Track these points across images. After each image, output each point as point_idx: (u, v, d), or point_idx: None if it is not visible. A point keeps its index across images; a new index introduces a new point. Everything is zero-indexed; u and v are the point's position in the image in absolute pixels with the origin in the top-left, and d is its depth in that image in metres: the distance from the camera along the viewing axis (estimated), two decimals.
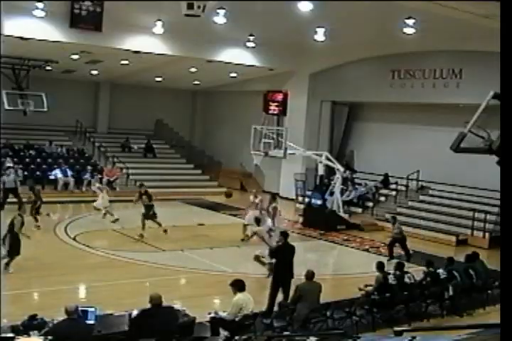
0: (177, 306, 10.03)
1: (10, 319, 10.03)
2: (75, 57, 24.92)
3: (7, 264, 13.39)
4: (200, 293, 13.19)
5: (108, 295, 12.02)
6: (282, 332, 9.77)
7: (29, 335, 8.49)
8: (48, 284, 12.87)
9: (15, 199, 21.74)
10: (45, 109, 25.52)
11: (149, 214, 18.88)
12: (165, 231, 18.66)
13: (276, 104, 29.25)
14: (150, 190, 27.73)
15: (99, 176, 28.20)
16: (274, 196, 20.26)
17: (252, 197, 19.79)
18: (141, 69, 27.82)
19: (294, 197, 27.42)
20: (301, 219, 23.26)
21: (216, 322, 9.85)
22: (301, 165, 27.78)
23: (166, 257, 16.30)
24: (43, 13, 20.11)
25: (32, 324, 8.89)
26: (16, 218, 13.79)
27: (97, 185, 23.62)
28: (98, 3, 20.75)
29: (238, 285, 10.06)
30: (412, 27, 19.01)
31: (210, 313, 9.96)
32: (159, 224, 18.83)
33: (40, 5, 19.69)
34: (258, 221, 15.13)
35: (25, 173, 26.92)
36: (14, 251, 13.44)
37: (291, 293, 11.27)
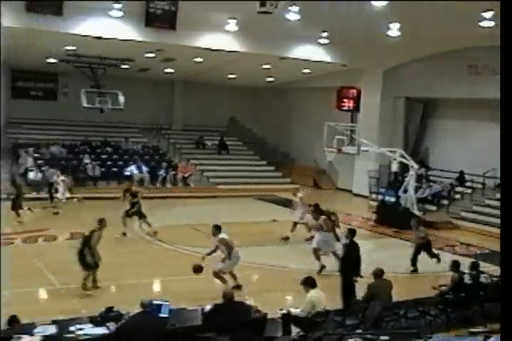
0: (249, 302, 10.09)
1: (88, 310, 10.37)
2: (150, 55, 25.38)
3: (85, 279, 12.37)
4: (272, 289, 13.22)
5: (181, 289, 12.20)
6: (354, 330, 9.71)
7: (107, 327, 8.75)
8: (121, 278, 13.15)
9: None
10: (122, 107, 26.11)
11: (131, 212, 18.44)
12: (155, 233, 18.20)
13: (349, 100, 29.06)
14: (223, 186, 28.34)
15: (174, 172, 28.67)
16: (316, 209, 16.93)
17: (292, 195, 19.68)
18: (214, 67, 28.08)
19: (368, 195, 27.19)
20: (374, 217, 23.04)
21: (288, 319, 9.87)
22: (374, 162, 27.51)
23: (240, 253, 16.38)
24: (119, 13, 20.59)
25: (108, 316, 9.14)
26: (95, 231, 12.58)
27: (62, 177, 22.81)
28: (173, 2, 21.08)
29: (310, 283, 10.07)
30: (490, 20, 18.54)
31: (281, 309, 9.99)
32: (149, 224, 18.51)
33: (116, 5, 20.16)
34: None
35: (103, 169, 27.65)
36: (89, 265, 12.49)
37: (358, 291, 11.23)
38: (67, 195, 22.45)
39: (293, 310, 9.89)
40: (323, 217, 15.69)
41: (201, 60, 26.27)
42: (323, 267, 14.38)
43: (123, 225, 18.10)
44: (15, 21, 20.12)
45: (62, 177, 22.67)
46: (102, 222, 12.70)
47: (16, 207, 19.70)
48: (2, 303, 9.82)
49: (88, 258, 12.08)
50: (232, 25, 21.79)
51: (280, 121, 35.36)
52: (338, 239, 15.22)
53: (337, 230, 15.91)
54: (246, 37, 23.42)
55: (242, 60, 25.99)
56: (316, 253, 14.82)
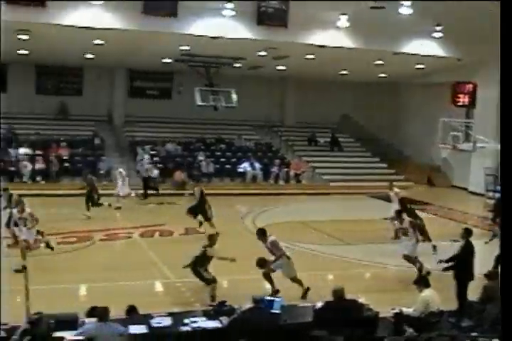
0: (361, 300, 10.02)
1: (201, 304, 10.64)
2: (262, 53, 25.61)
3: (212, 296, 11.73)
4: (384, 287, 13.05)
5: (292, 286, 12.25)
6: (469, 333, 9.43)
7: (220, 321, 8.93)
8: (234, 273, 13.33)
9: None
10: (235, 105, 26.53)
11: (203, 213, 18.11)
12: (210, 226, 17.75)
13: (464, 95, 28.20)
14: (335, 184, 28.23)
15: (286, 169, 28.82)
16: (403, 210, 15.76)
17: (388, 190, 19.14)
18: (325, 63, 27.96)
19: (484, 192, 26.33)
20: (490, 216, 22.25)
21: (400, 319, 9.72)
22: (491, 159, 26.56)
23: (350, 250, 16.33)
24: (231, 13, 20.94)
25: (221, 310, 9.34)
26: (206, 249, 11.92)
27: (120, 170, 22.65)
28: (284, 1, 21.24)
29: (423, 282, 9.89)
30: None
31: (393, 309, 9.85)
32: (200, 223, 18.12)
33: (228, 5, 20.51)
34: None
35: (216, 166, 28.19)
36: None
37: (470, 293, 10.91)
38: (127, 190, 22.10)
39: (405, 310, 9.73)
40: (408, 219, 14.35)
41: (313, 56, 26.23)
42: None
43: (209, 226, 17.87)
44: (132, 23, 20.92)
45: (120, 170, 22.63)
46: (211, 239, 12.08)
47: (88, 201, 19.85)
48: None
49: (205, 274, 11.82)
50: (343, 21, 21.67)
51: (393, 118, 34.78)
52: (417, 240, 13.89)
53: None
54: (358, 32, 23.19)
55: (354, 55, 25.75)
56: (410, 260, 13.72)
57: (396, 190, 18.79)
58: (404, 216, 14.44)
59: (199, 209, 18.10)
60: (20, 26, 21.18)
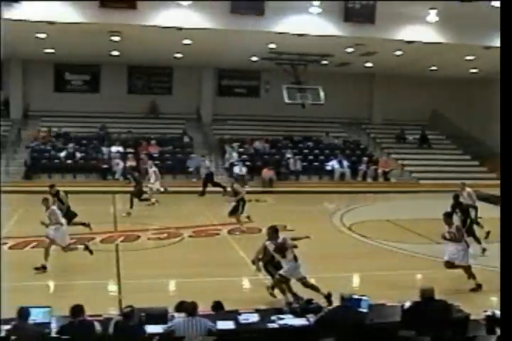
0: (451, 301, 9.79)
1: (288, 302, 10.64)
2: (350, 50, 25.41)
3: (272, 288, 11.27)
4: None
5: (380, 284, 12.11)
6: None
7: (307, 318, 8.92)
8: (319, 271, 13.28)
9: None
10: (322, 102, 26.46)
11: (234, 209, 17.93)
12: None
13: None
14: (425, 182, 27.70)
15: (375, 167, 28.53)
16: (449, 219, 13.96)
17: (460, 189, 18.45)
18: (414, 59, 27.52)
19: None
20: None
21: (492, 321, 9.44)
22: None
23: (440, 249, 15.92)
24: (318, 10, 20.87)
25: (308, 308, 9.33)
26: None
27: (154, 168, 22.36)
28: None
29: None
30: None
31: (486, 311, 9.57)
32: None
33: (316, 2, 20.47)
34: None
35: (304, 164, 28.19)
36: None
37: None
38: (158, 186, 21.94)
39: (498, 312, 9.44)
40: (455, 224, 13.15)
41: (401, 52, 25.86)
42: (479, 286, 12.43)
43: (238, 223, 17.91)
44: (220, 23, 21.22)
45: (154, 168, 22.44)
46: (269, 232, 11.15)
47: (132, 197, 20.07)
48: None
49: (272, 271, 11.32)
50: (432, 16, 21.23)
51: (486, 114, 33.73)
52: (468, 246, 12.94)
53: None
54: (447, 27, 22.68)
55: (444, 51, 25.20)
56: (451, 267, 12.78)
57: (468, 189, 18.26)
58: (454, 220, 13.57)
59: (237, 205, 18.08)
60: (112, 28, 21.85)
